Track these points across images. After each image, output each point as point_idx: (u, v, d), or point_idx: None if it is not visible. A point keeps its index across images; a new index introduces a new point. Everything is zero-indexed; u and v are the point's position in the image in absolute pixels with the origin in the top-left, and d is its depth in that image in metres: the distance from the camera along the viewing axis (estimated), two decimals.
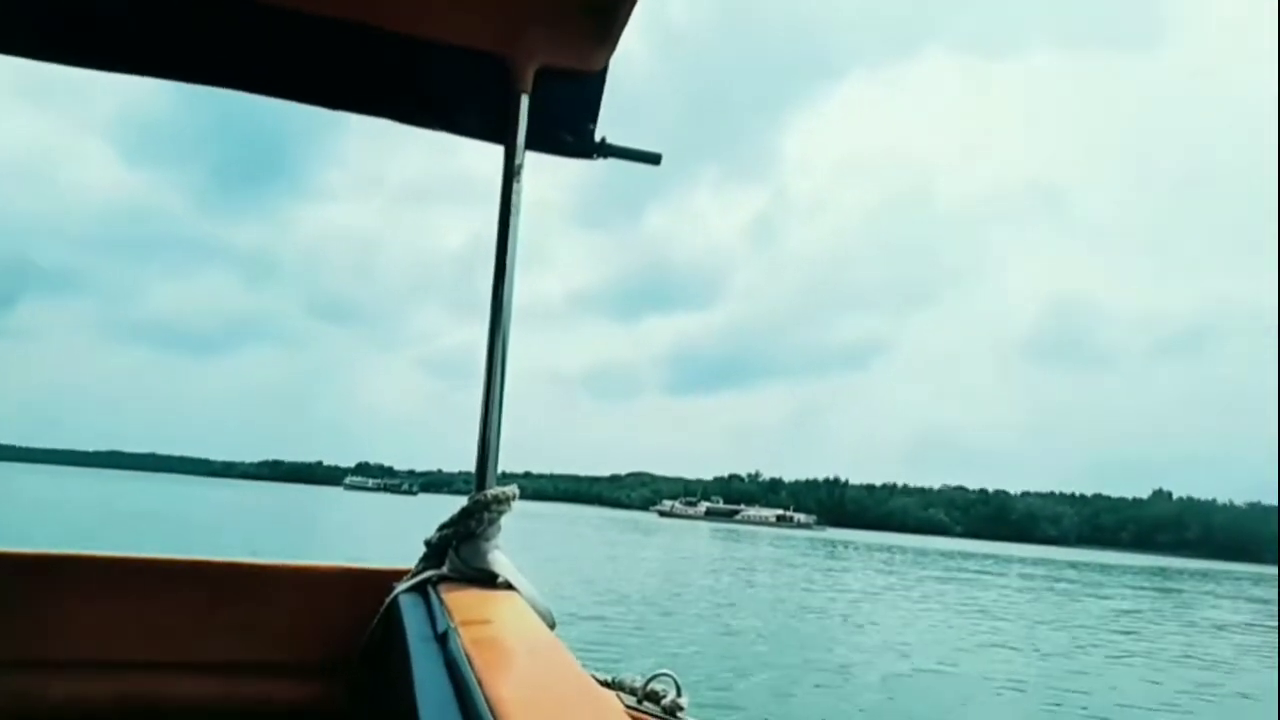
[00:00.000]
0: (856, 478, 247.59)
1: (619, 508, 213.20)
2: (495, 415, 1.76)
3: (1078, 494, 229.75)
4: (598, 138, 1.97)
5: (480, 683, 0.96)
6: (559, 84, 1.86)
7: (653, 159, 2.00)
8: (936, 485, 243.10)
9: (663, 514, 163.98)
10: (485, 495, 1.62)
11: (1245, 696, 13.75)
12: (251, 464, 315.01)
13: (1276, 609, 34.50)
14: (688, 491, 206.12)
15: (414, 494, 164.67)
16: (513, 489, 1.66)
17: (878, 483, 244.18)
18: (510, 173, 1.82)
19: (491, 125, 1.90)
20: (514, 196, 1.82)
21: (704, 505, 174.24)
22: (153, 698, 1.65)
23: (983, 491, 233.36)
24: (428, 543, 1.69)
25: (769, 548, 58.11)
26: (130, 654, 1.66)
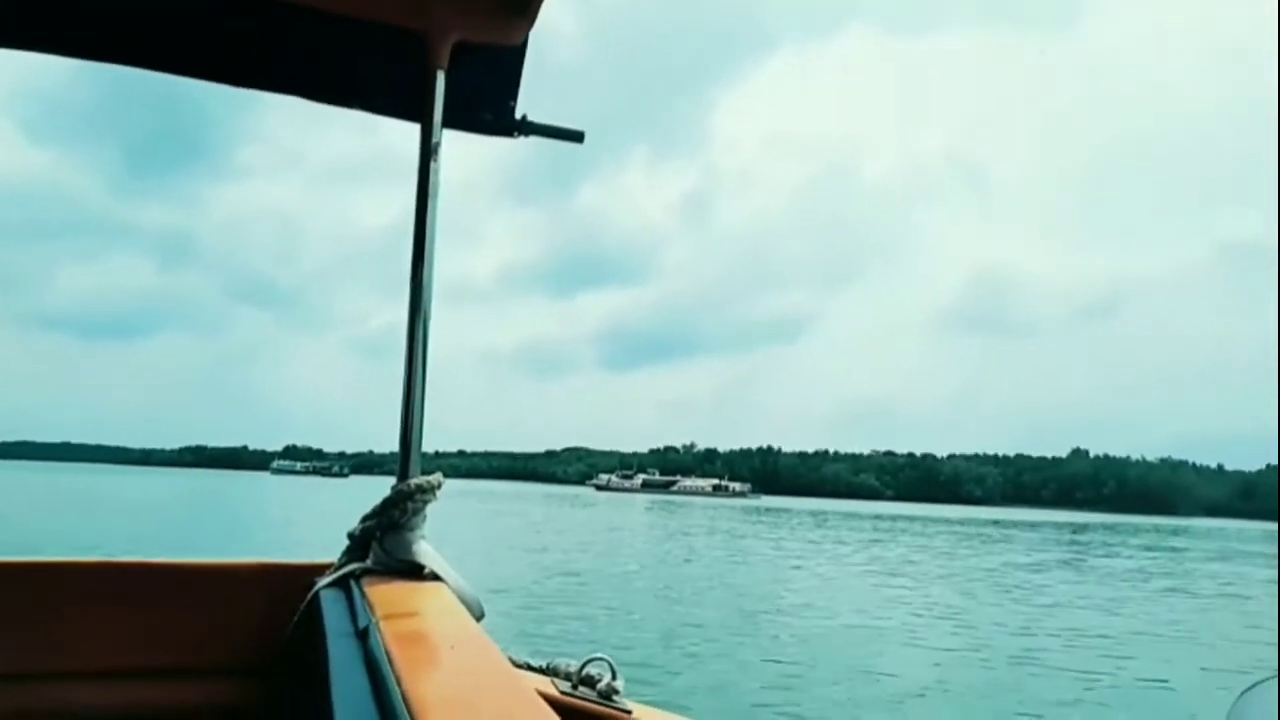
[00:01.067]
0: (789, 446, 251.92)
1: (555, 483, 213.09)
2: (417, 400, 1.71)
3: (1001, 455, 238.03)
4: (519, 115, 1.93)
5: (399, 680, 0.93)
6: (476, 59, 1.82)
7: (576, 137, 1.95)
8: (866, 451, 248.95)
9: (599, 488, 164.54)
10: (409, 484, 1.59)
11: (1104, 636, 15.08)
12: (172, 450, 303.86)
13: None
14: (624, 465, 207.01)
15: (345, 476, 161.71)
16: (437, 477, 1.62)
17: (810, 450, 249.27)
18: (427, 152, 1.77)
19: (408, 103, 1.85)
20: (432, 175, 1.78)
21: (640, 478, 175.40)
22: (59, 708, 1.59)
23: (911, 455, 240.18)
24: (350, 535, 1.65)
25: (703, 517, 58.91)
26: (32, 664, 1.59)
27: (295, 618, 1.59)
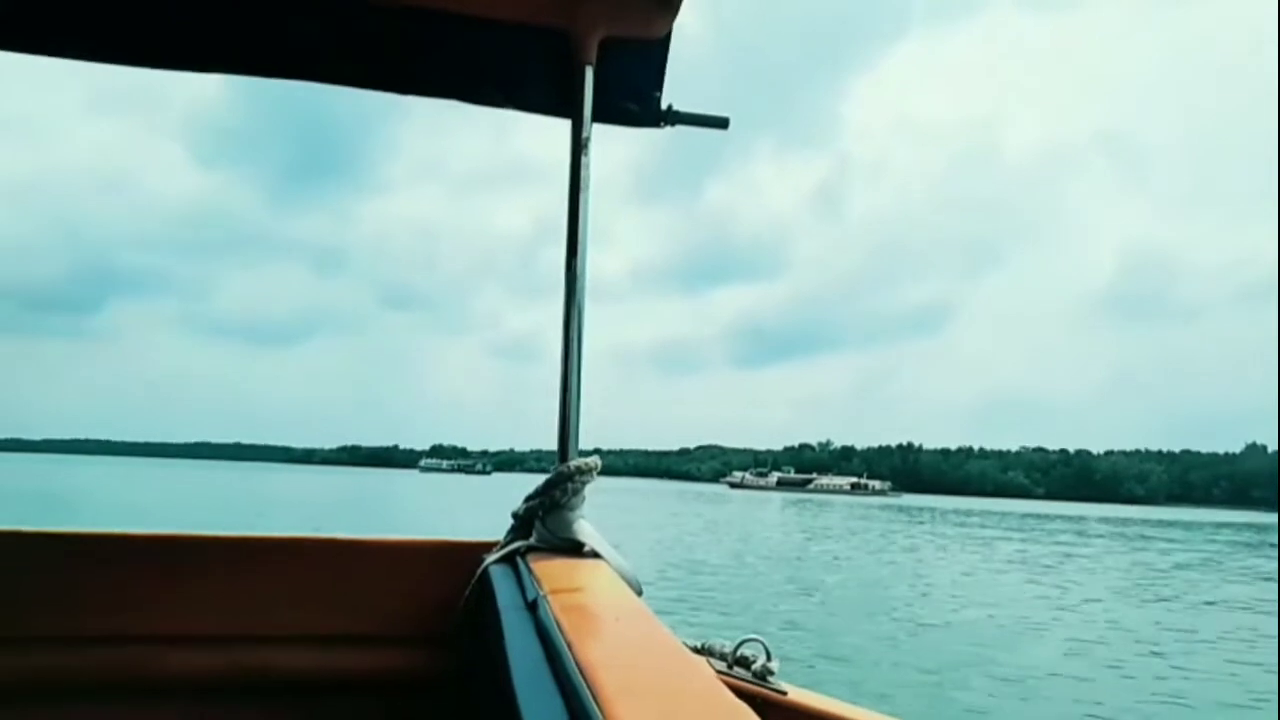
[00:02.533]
0: (930, 443, 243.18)
1: (689, 480, 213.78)
2: (574, 387, 1.80)
3: (1164, 451, 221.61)
4: (664, 105, 1.95)
5: (571, 647, 0.97)
6: (623, 53, 1.85)
7: (721, 123, 1.97)
8: (1015, 448, 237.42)
9: (733, 485, 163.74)
10: (569, 466, 1.67)
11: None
12: (331, 450, 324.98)
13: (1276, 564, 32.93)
14: (758, 462, 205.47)
15: (487, 474, 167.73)
16: (595, 460, 1.71)
17: (953, 446, 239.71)
18: (578, 146, 1.83)
19: (557, 100, 1.90)
20: (583, 170, 1.83)
21: (775, 475, 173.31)
22: (260, 669, 1.73)
23: (1064, 452, 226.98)
24: (515, 515, 1.75)
25: (844, 515, 57.65)
26: (238, 628, 1.74)
27: (467, 591, 1.70)
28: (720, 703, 0.83)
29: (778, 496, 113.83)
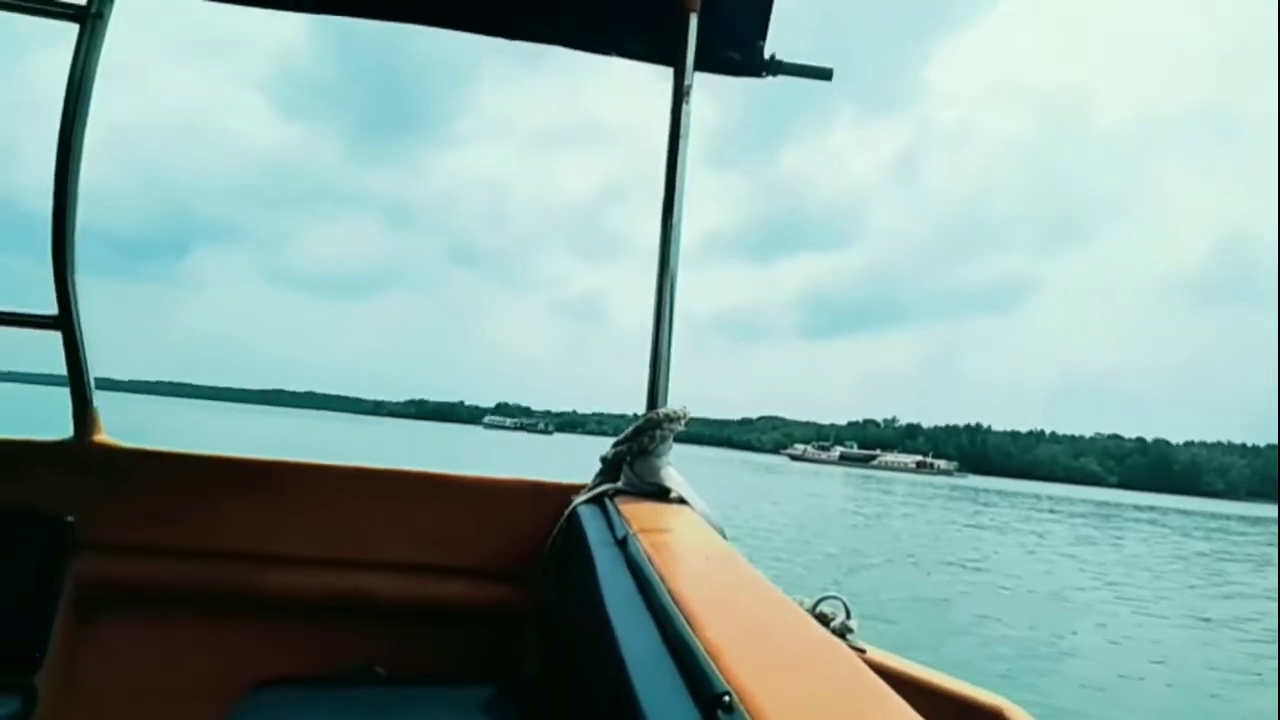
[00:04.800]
0: (1000, 424, 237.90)
1: (749, 451, 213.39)
2: (665, 337, 1.82)
3: (1249, 444, 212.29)
4: (767, 54, 1.90)
5: (663, 580, 0.99)
6: (729, 1, 1.81)
7: (824, 74, 1.91)
8: (1088, 433, 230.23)
9: (794, 458, 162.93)
10: (657, 413, 1.70)
11: None
12: (399, 403, 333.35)
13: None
14: (820, 436, 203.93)
15: (549, 433, 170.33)
16: (684, 408, 1.72)
17: (1023, 429, 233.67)
18: (680, 95, 1.83)
19: (660, 47, 1.87)
20: (683, 120, 1.83)
21: (838, 450, 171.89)
22: (357, 591, 1.81)
23: (1140, 440, 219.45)
24: (603, 459, 1.78)
25: (909, 493, 56.59)
26: (335, 552, 1.82)
27: (555, 530, 1.72)
28: (812, 634, 0.83)
29: (839, 471, 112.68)
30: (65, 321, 1.77)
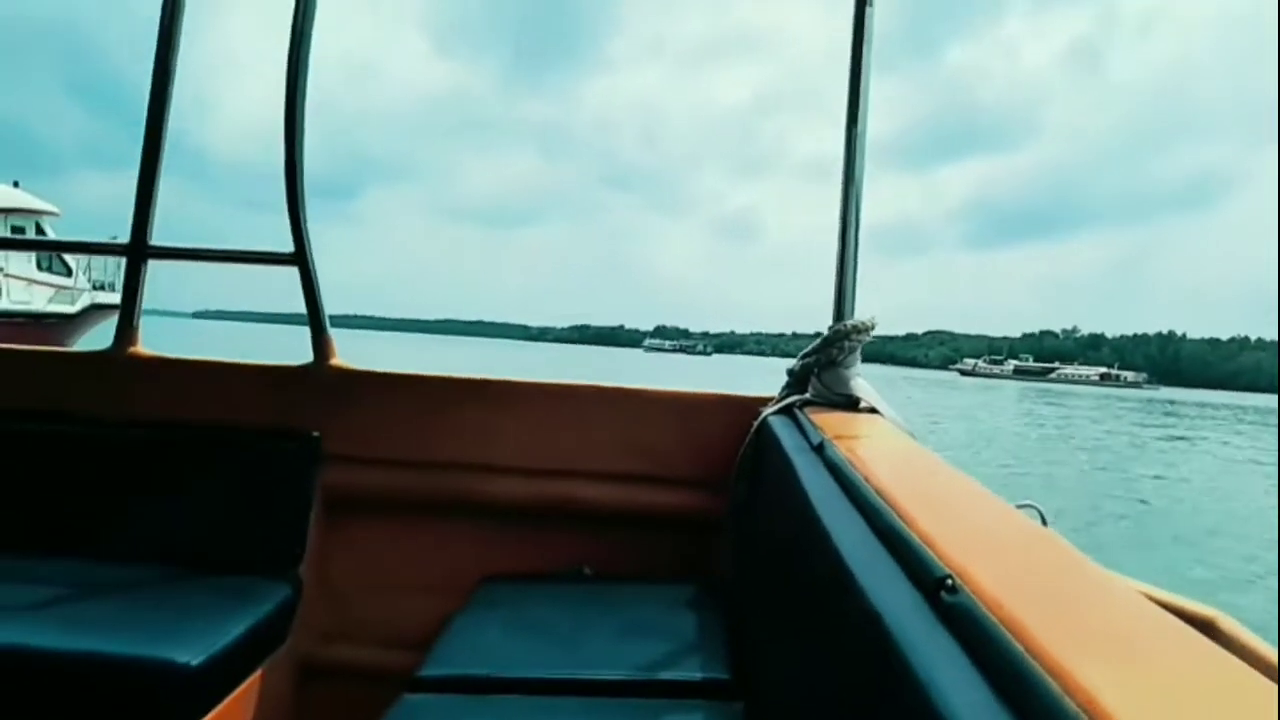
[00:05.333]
0: (1195, 332, 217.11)
1: (914, 367, 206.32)
2: (851, 246, 1.87)
3: None
4: None
5: (867, 479, 0.99)
6: None
7: None
8: None
9: (964, 373, 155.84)
10: (845, 325, 1.74)
11: None
12: (563, 329, 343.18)
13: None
14: (992, 350, 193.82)
15: (708, 355, 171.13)
16: (871, 318, 1.77)
17: (1223, 336, 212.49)
18: None
19: None
20: (867, 22, 1.84)
21: (1011, 363, 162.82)
22: (566, 498, 1.96)
23: None
24: (790, 371, 1.84)
25: (1094, 409, 53.30)
26: (546, 462, 1.98)
27: (746, 439, 1.83)
28: (1024, 525, 0.83)
29: (1012, 385, 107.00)
30: (300, 259, 1.98)
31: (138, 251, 2.00)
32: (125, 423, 2.00)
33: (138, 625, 1.51)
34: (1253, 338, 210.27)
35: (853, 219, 1.87)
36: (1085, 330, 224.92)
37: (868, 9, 1.84)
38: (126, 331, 2.04)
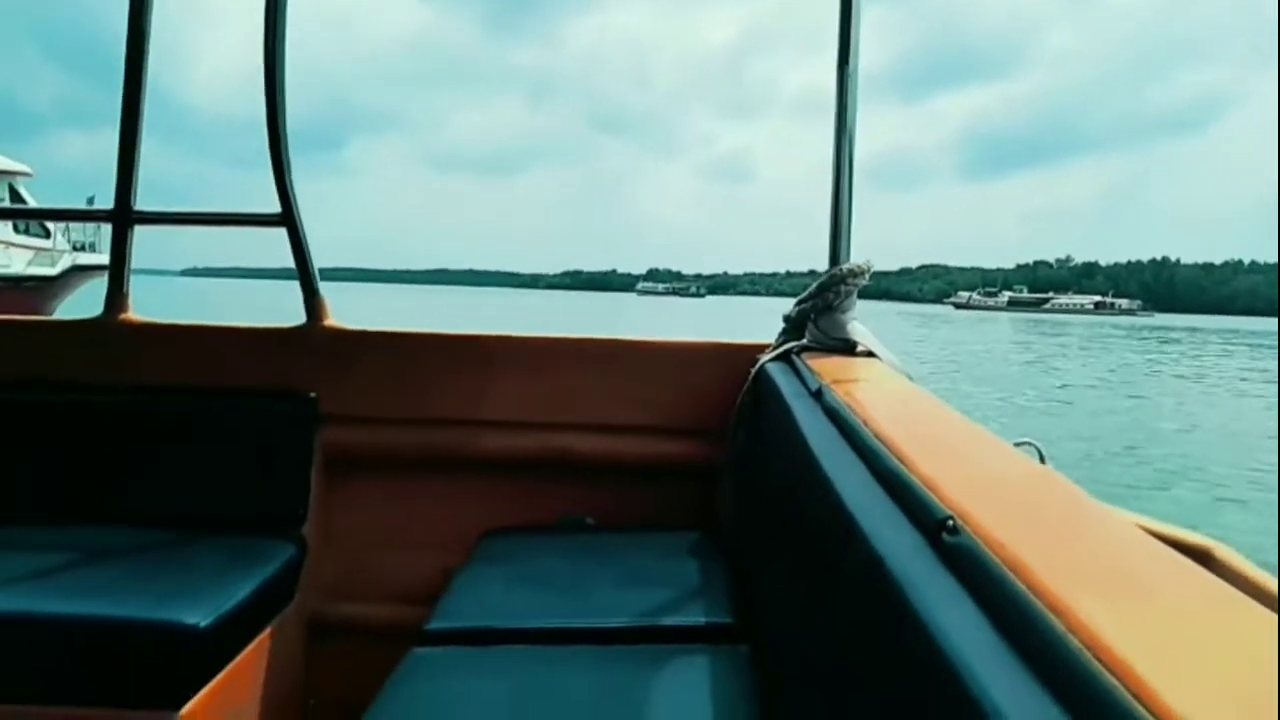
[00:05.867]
0: (1189, 257, 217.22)
1: (909, 301, 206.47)
2: (846, 189, 1.86)
3: None
4: None
5: (867, 423, 1.00)
6: None
7: None
8: None
9: (958, 306, 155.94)
10: (840, 269, 1.73)
11: None
12: (555, 275, 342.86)
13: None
14: (986, 282, 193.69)
15: (701, 296, 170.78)
16: (867, 262, 1.75)
17: (1216, 261, 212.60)
18: None
19: None
20: None
21: (1006, 295, 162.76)
22: (564, 450, 1.97)
23: None
24: (786, 318, 1.82)
25: (1085, 338, 53.47)
26: (544, 415, 1.99)
27: (744, 387, 1.81)
28: (1024, 465, 0.85)
29: (1006, 317, 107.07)
30: (288, 219, 1.96)
31: (123, 217, 1.97)
32: (121, 389, 1.99)
33: (144, 589, 1.50)
34: (1246, 261, 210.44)
35: (846, 161, 1.86)
36: (1079, 259, 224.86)
37: None
38: (117, 298, 2.02)
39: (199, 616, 1.41)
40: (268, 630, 1.66)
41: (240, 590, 1.54)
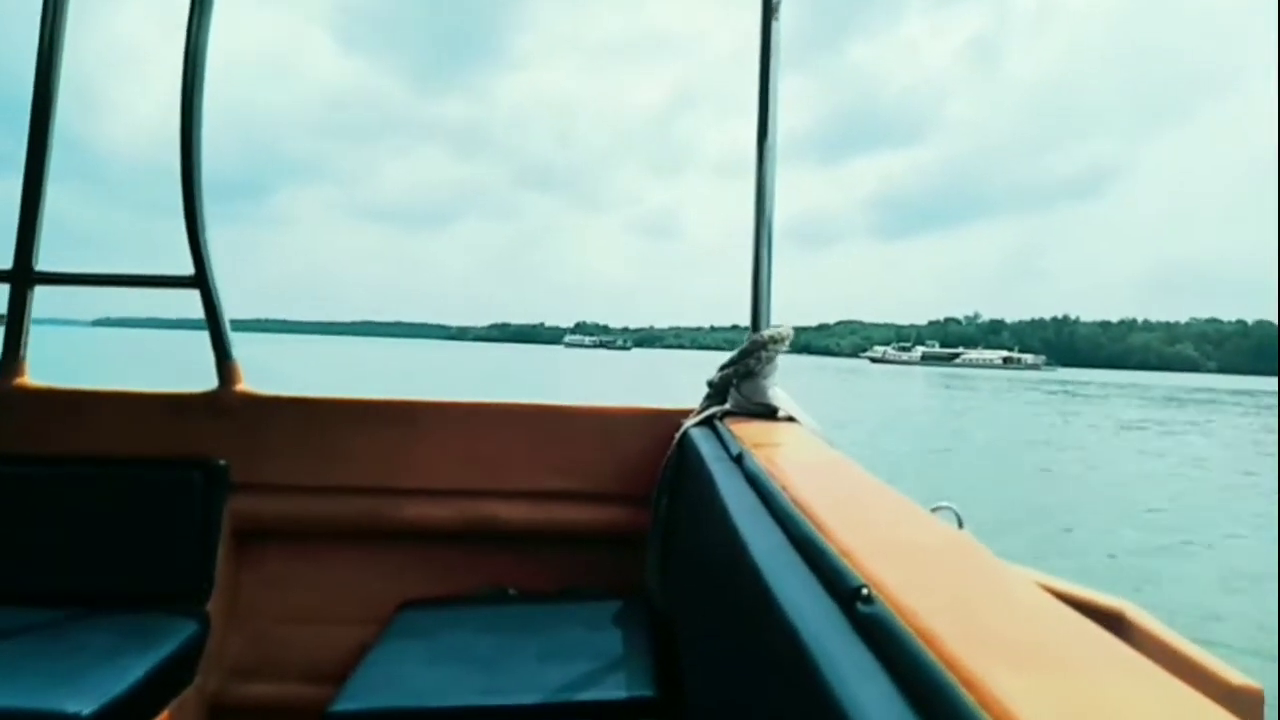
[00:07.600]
0: (1088, 315, 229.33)
1: (827, 355, 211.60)
2: (765, 259, 1.90)
3: None
4: None
5: (785, 490, 1.00)
6: None
7: None
8: (1184, 319, 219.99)
9: (875, 360, 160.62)
10: (762, 335, 1.77)
11: None
12: (482, 328, 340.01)
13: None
14: (900, 337, 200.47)
15: (628, 349, 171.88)
16: (787, 329, 1.80)
17: (1114, 319, 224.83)
18: (769, 10, 1.89)
19: None
20: (774, 37, 1.89)
21: (919, 350, 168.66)
22: (487, 518, 1.92)
23: (1241, 323, 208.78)
24: (710, 383, 1.85)
25: (994, 393, 55.49)
26: (465, 483, 1.94)
27: (669, 452, 1.82)
28: (940, 531, 0.84)
29: (920, 371, 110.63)
30: (201, 281, 1.90)
31: (23, 277, 1.88)
32: (13, 459, 1.87)
33: (28, 675, 1.41)
34: (1139, 319, 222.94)
35: (766, 229, 1.89)
36: (986, 316, 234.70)
37: (774, 23, 1.88)
38: (13, 363, 1.92)
39: (83, 704, 1.32)
40: (163, 715, 1.58)
41: (133, 672, 1.46)
